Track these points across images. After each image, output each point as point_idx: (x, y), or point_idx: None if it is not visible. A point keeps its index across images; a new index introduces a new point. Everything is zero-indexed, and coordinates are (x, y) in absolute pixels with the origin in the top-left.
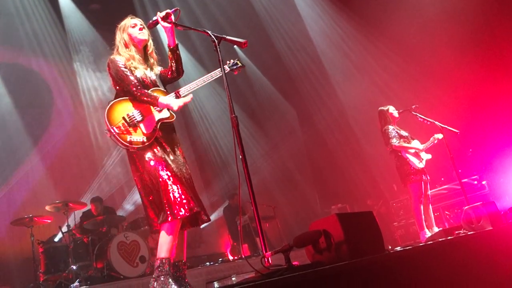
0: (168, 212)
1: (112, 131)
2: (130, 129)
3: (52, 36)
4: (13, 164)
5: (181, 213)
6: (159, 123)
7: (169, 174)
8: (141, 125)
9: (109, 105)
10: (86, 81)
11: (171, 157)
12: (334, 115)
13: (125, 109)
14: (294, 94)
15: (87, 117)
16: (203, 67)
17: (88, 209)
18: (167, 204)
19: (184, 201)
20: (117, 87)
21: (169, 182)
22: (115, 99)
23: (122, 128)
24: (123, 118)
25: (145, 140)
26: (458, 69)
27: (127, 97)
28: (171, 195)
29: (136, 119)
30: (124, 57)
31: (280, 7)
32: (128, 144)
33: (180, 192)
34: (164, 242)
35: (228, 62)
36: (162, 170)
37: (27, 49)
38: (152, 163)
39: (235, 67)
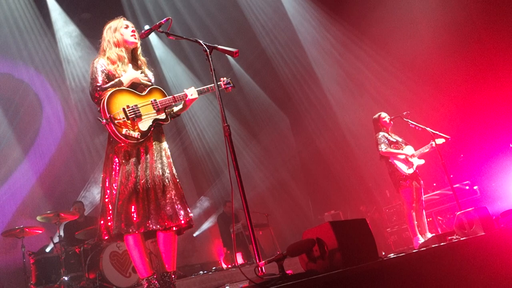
0: (124, 225)
1: (110, 120)
2: (128, 122)
3: (42, 45)
4: (3, 174)
5: (132, 229)
6: (155, 123)
7: (138, 184)
8: (139, 121)
9: (110, 92)
10: (76, 90)
11: (150, 161)
12: (326, 123)
13: (126, 101)
14: (287, 102)
15: (78, 127)
16: (195, 76)
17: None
18: (124, 216)
19: (139, 216)
20: None
21: (134, 193)
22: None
23: (120, 119)
24: (123, 109)
25: (139, 137)
26: (449, 76)
27: (128, 88)
28: (132, 207)
29: (135, 113)
30: (111, 58)
31: (271, 16)
32: (122, 138)
33: (141, 204)
34: (138, 259)
35: (223, 79)
36: (131, 179)
37: (17, 59)
38: (125, 169)
39: (229, 85)
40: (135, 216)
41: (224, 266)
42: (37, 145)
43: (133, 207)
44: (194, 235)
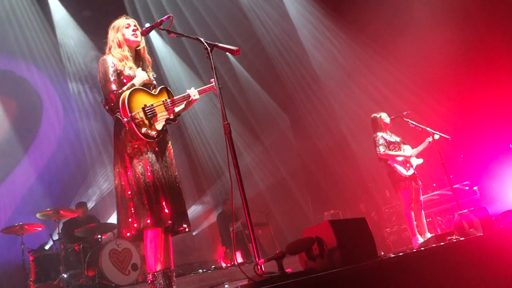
0: (149, 220)
1: (131, 119)
2: (146, 121)
3: (43, 42)
4: (3, 171)
5: (159, 221)
6: (167, 122)
7: (155, 180)
8: (155, 120)
9: (129, 92)
10: (77, 88)
11: (161, 160)
12: (327, 122)
13: (143, 100)
14: (287, 101)
15: (78, 124)
16: (196, 74)
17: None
18: (149, 211)
19: (165, 210)
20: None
21: (153, 188)
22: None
23: (140, 118)
24: (143, 109)
25: (155, 136)
26: (449, 76)
27: (143, 88)
28: (153, 201)
29: (153, 113)
30: (116, 57)
31: (273, 16)
32: (142, 136)
33: (161, 199)
34: (151, 253)
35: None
36: (148, 175)
37: (18, 56)
38: (140, 166)
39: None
40: (160, 211)
41: (224, 264)
42: (37, 142)
43: (155, 203)
44: (194, 233)
